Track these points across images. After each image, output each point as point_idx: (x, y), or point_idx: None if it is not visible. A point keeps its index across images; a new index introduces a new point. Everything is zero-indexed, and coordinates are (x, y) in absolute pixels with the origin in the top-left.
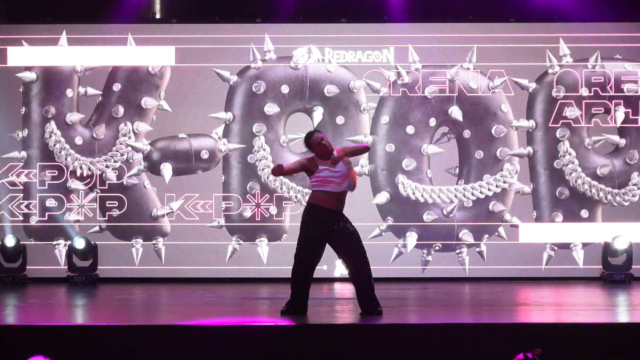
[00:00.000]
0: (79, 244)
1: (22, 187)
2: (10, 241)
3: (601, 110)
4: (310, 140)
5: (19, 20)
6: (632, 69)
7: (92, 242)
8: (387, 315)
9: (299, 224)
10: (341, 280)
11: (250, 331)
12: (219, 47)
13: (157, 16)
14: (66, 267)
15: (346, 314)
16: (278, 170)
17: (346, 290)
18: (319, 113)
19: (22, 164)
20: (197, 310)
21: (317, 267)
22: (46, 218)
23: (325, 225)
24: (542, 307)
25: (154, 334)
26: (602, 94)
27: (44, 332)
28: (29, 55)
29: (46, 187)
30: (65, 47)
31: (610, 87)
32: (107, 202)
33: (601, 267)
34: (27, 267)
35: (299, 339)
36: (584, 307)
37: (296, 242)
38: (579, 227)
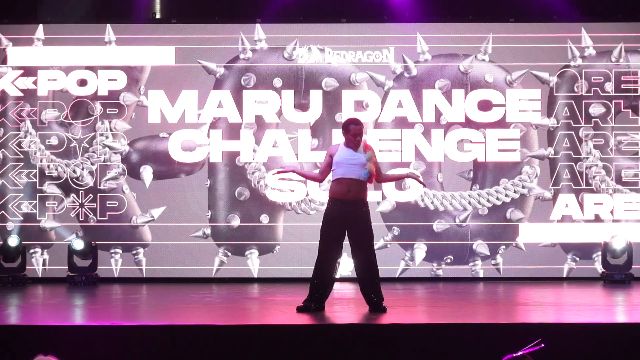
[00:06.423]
0: (78, 244)
1: None
2: (13, 241)
3: (627, 106)
4: (354, 125)
5: (12, 19)
6: None
7: (92, 242)
8: (387, 315)
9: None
10: (341, 280)
11: (250, 331)
12: (218, 47)
13: (157, 16)
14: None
15: (346, 314)
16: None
17: (346, 290)
18: (316, 109)
19: None
20: (197, 310)
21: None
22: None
23: (341, 216)
24: (542, 307)
25: (155, 334)
26: (625, 90)
27: (44, 332)
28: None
29: (22, 191)
30: (64, 48)
31: (636, 82)
32: (84, 208)
33: (601, 267)
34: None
35: (299, 339)
36: (584, 307)
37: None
38: (578, 227)
